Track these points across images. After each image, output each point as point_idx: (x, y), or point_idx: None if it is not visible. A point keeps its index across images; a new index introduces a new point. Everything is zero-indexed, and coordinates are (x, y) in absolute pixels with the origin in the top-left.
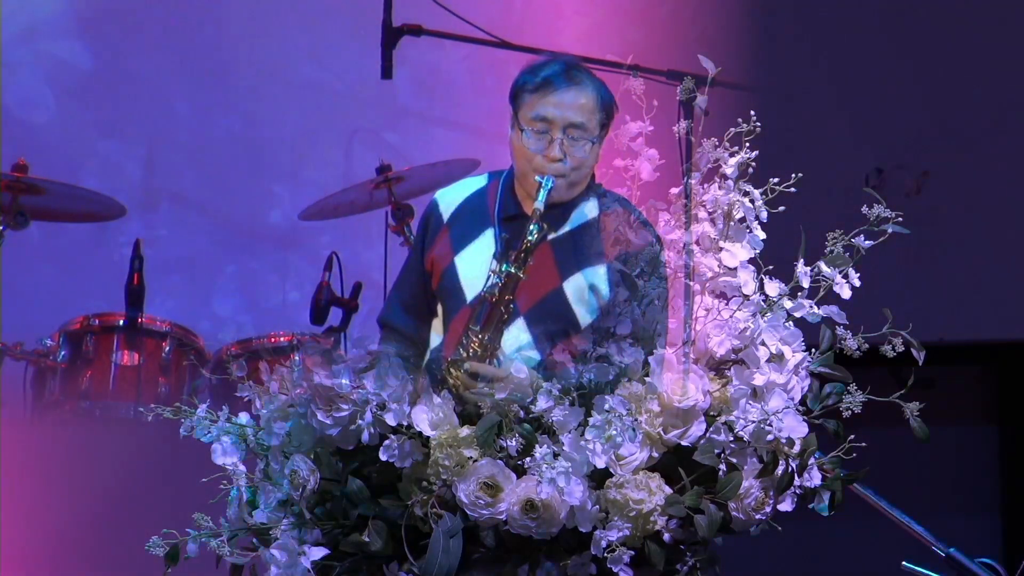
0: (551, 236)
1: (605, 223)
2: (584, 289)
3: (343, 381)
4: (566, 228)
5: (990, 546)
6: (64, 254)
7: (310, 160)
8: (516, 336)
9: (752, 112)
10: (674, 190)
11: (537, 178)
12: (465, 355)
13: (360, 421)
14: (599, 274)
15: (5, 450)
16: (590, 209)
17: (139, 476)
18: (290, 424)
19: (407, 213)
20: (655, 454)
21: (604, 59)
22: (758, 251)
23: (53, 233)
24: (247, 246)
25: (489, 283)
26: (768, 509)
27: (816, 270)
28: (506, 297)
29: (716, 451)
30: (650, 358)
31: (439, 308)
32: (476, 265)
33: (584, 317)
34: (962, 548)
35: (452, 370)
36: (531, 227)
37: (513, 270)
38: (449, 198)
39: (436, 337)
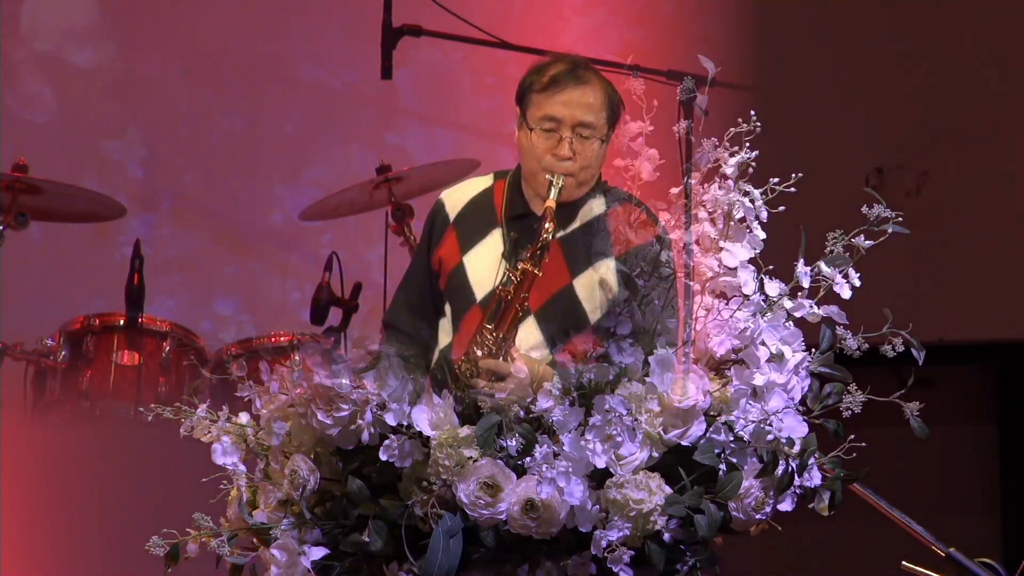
0: (560, 234)
1: (612, 219)
2: (594, 285)
3: (343, 381)
4: (575, 225)
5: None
6: (64, 254)
7: (310, 160)
8: (527, 334)
9: (752, 112)
10: (674, 190)
11: (548, 176)
12: (480, 353)
13: (360, 421)
14: (609, 270)
15: (5, 450)
16: (597, 206)
17: (139, 476)
18: (290, 424)
19: (407, 213)
20: (655, 454)
21: (604, 59)
22: (758, 251)
23: (53, 233)
24: (247, 246)
25: (504, 280)
26: (768, 509)
27: (816, 270)
28: (521, 295)
29: (716, 451)
30: (651, 358)
31: (447, 308)
32: (484, 264)
33: (594, 313)
34: (962, 548)
35: (465, 367)
36: (546, 224)
37: (530, 267)
38: (455, 198)
39: (445, 337)
